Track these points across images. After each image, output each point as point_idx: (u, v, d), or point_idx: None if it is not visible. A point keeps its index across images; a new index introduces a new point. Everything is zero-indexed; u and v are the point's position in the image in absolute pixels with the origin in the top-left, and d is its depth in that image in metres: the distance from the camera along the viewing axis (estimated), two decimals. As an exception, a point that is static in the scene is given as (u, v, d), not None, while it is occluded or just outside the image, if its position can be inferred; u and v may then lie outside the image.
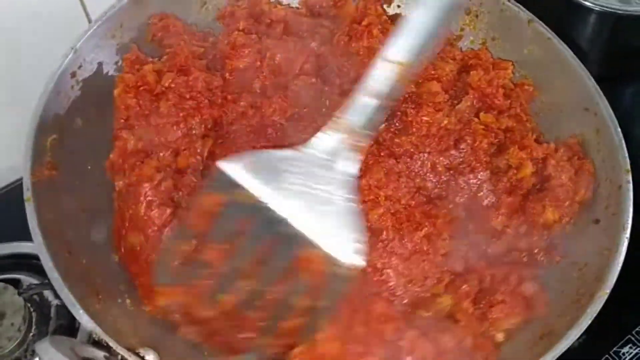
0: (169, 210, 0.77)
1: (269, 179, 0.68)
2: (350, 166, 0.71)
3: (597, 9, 0.99)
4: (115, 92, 0.84)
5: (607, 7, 0.99)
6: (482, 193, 0.82)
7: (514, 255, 0.80)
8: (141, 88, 0.84)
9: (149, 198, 0.77)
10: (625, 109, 1.05)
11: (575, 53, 0.87)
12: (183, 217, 0.76)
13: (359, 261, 0.68)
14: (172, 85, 0.84)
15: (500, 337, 0.75)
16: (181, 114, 0.82)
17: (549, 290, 0.77)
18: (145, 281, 0.76)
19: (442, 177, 0.83)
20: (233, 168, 0.68)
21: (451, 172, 0.83)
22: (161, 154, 0.81)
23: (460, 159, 0.83)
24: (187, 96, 0.84)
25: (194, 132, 0.83)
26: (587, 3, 0.99)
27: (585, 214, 0.81)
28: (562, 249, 0.80)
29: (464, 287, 0.77)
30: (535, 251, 0.80)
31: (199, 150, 0.82)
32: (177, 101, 0.83)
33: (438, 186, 0.83)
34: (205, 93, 0.84)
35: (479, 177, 0.82)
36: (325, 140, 0.71)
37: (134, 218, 0.78)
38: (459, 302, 0.76)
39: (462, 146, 0.83)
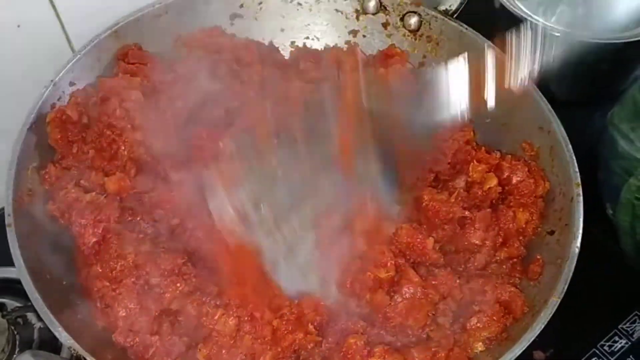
0: (101, 226, 0.80)
1: None
2: None
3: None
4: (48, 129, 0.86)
5: (574, 36, 1.04)
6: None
7: (492, 268, 0.84)
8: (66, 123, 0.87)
9: (82, 221, 0.80)
10: (594, 132, 1.09)
11: (543, 80, 0.90)
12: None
13: None
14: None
15: (479, 346, 0.78)
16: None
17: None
18: (90, 296, 0.78)
19: None
20: None
21: None
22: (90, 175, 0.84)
23: None
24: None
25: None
26: (555, 33, 1.04)
27: (544, 223, 0.86)
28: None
29: (440, 305, 0.79)
30: (514, 260, 0.84)
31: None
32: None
33: None
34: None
35: None
36: None
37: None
38: (434, 320, 0.79)
39: None
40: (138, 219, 0.83)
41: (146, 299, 0.76)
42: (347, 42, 1.06)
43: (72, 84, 0.90)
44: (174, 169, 0.86)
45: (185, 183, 0.85)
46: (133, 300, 0.76)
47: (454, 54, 0.98)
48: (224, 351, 0.75)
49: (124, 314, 0.75)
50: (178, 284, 0.78)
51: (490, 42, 0.96)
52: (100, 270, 0.78)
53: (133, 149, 0.86)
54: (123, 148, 0.86)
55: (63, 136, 0.86)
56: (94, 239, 0.79)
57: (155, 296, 0.77)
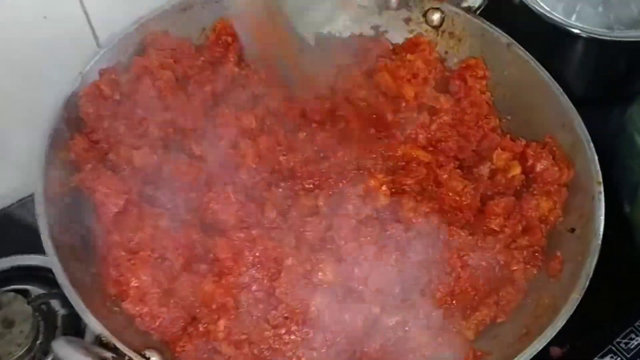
0: (124, 197, 0.81)
1: None
2: None
3: (584, 35, 1.04)
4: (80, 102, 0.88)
5: (593, 34, 1.04)
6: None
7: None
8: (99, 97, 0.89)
9: (105, 190, 0.81)
10: (611, 130, 1.09)
11: (561, 77, 0.93)
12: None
13: None
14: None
15: (470, 334, 0.79)
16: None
17: (528, 296, 0.82)
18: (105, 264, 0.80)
19: None
20: None
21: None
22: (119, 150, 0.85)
23: None
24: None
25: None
26: (575, 30, 1.05)
27: (566, 219, 0.86)
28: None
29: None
30: (535, 249, 0.84)
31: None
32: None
33: None
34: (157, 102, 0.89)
35: None
36: None
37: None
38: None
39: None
40: (159, 193, 0.84)
41: (158, 272, 0.78)
42: (371, 36, 1.07)
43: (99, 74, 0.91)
44: (197, 143, 0.87)
45: (207, 157, 0.86)
46: (146, 272, 0.77)
47: (476, 50, 1.00)
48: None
49: (136, 285, 0.77)
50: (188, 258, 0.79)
51: (512, 40, 0.97)
52: (118, 240, 0.79)
53: (163, 127, 0.88)
54: (153, 127, 0.87)
55: (95, 110, 0.87)
56: (116, 210, 0.81)
57: (168, 270, 0.78)
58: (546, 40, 1.08)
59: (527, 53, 0.95)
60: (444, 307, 0.78)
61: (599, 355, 0.93)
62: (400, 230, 0.81)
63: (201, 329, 0.76)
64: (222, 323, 0.75)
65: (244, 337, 0.75)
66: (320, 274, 0.77)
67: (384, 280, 0.78)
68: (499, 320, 0.80)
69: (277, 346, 0.75)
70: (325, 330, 0.75)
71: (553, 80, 0.92)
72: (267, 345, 0.75)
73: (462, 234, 0.82)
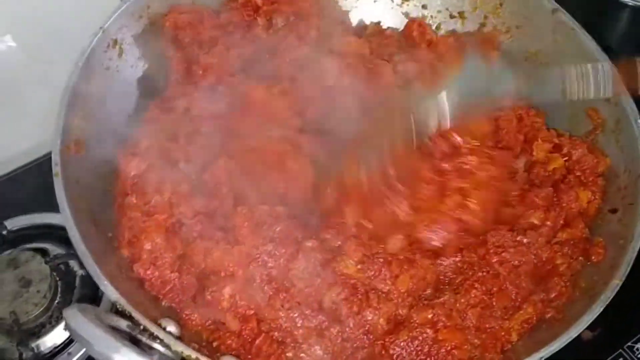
0: (146, 162, 0.79)
1: None
2: None
3: (631, 4, 0.99)
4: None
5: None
6: None
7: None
8: None
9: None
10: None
11: (606, 46, 0.88)
12: None
13: None
14: None
15: (514, 335, 0.75)
16: None
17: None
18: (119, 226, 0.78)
19: None
20: None
21: None
22: None
23: None
24: None
25: None
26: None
27: (606, 201, 0.82)
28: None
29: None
30: (576, 242, 0.80)
31: None
32: None
33: None
34: None
35: None
36: None
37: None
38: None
39: None
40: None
41: (173, 237, 0.76)
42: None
43: (120, 30, 0.87)
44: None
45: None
46: (161, 235, 0.75)
47: (518, 16, 0.95)
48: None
49: (149, 247, 0.75)
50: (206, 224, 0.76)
51: (557, 5, 0.91)
52: (134, 202, 0.78)
53: None
54: None
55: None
56: (135, 172, 0.79)
57: (184, 236, 0.76)
58: (592, 8, 1.03)
59: (574, 20, 0.90)
60: (481, 306, 0.74)
61: (632, 341, 0.89)
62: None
63: (208, 297, 0.74)
64: (227, 291, 0.73)
65: (251, 312, 0.73)
66: (342, 265, 0.74)
67: (414, 282, 0.74)
68: (547, 315, 0.76)
69: (288, 328, 0.72)
70: (342, 323, 0.72)
71: (600, 49, 0.87)
72: (277, 325, 0.72)
73: (501, 230, 0.77)
